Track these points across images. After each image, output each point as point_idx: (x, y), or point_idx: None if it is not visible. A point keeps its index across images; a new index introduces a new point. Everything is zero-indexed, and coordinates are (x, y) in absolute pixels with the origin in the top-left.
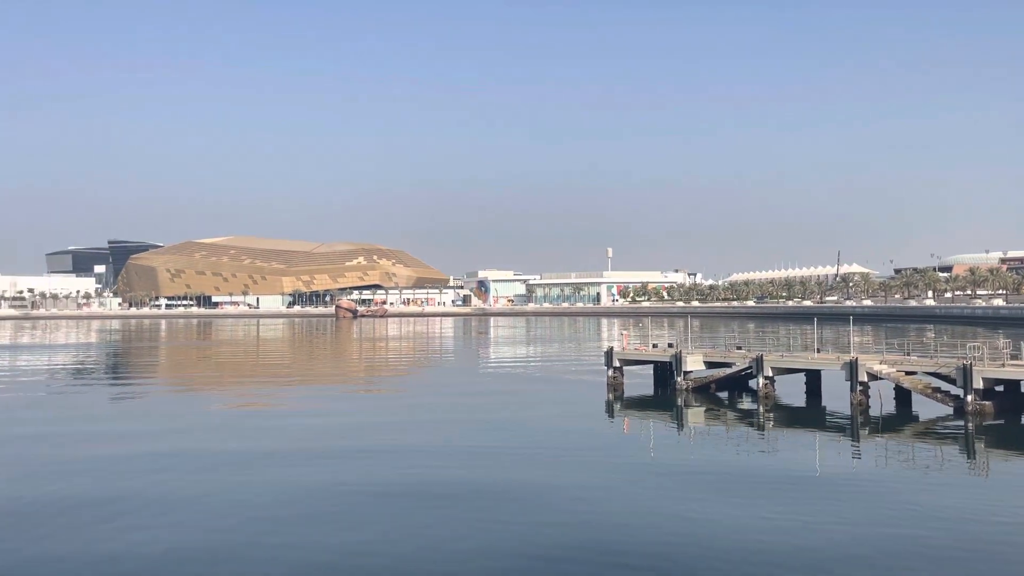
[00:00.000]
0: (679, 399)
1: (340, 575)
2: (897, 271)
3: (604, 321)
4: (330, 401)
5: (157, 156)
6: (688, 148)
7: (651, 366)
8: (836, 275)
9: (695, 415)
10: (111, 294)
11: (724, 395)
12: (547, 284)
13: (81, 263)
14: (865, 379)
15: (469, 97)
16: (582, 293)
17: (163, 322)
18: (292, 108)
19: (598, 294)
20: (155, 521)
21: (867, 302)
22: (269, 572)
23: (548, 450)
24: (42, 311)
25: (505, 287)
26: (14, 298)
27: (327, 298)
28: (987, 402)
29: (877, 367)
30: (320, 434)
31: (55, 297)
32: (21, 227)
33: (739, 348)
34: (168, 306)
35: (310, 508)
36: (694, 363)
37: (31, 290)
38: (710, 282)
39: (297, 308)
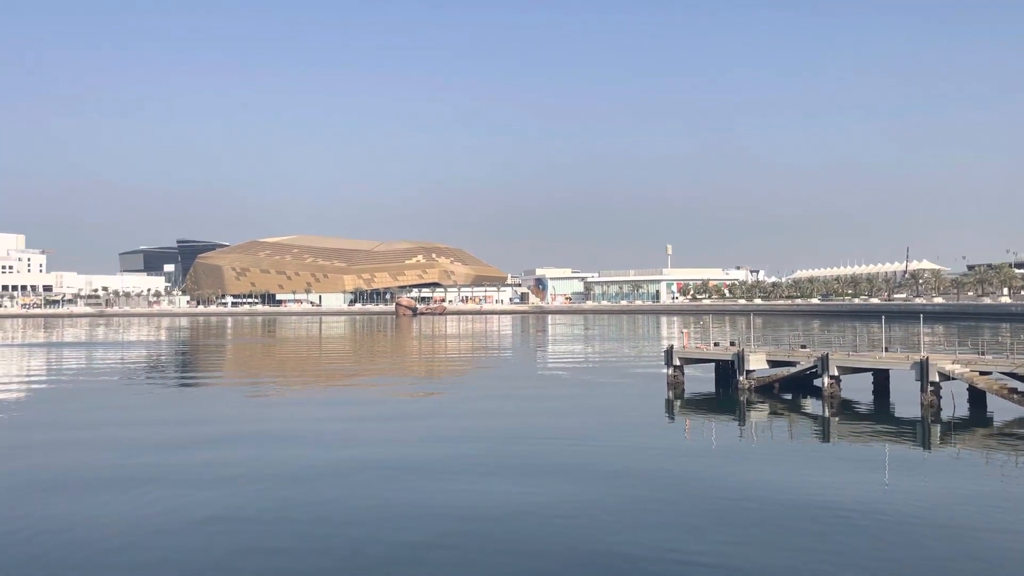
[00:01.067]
0: (741, 399)
1: None
2: (970, 267)
3: (664, 319)
4: (394, 403)
5: (222, 157)
6: (749, 143)
7: (712, 365)
8: (905, 272)
9: (758, 416)
10: (180, 292)
11: (788, 395)
12: (605, 282)
13: (152, 262)
14: (936, 379)
15: (528, 95)
16: (641, 291)
17: (229, 319)
18: (352, 109)
19: (657, 292)
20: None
21: (938, 300)
22: None
23: (603, 455)
24: (115, 309)
25: (563, 285)
26: (89, 296)
27: (387, 296)
28: None
29: (949, 367)
30: (390, 441)
31: (127, 295)
32: (95, 228)
33: (803, 347)
34: (234, 304)
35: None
36: (757, 362)
37: (105, 288)
38: (773, 279)
39: (358, 306)
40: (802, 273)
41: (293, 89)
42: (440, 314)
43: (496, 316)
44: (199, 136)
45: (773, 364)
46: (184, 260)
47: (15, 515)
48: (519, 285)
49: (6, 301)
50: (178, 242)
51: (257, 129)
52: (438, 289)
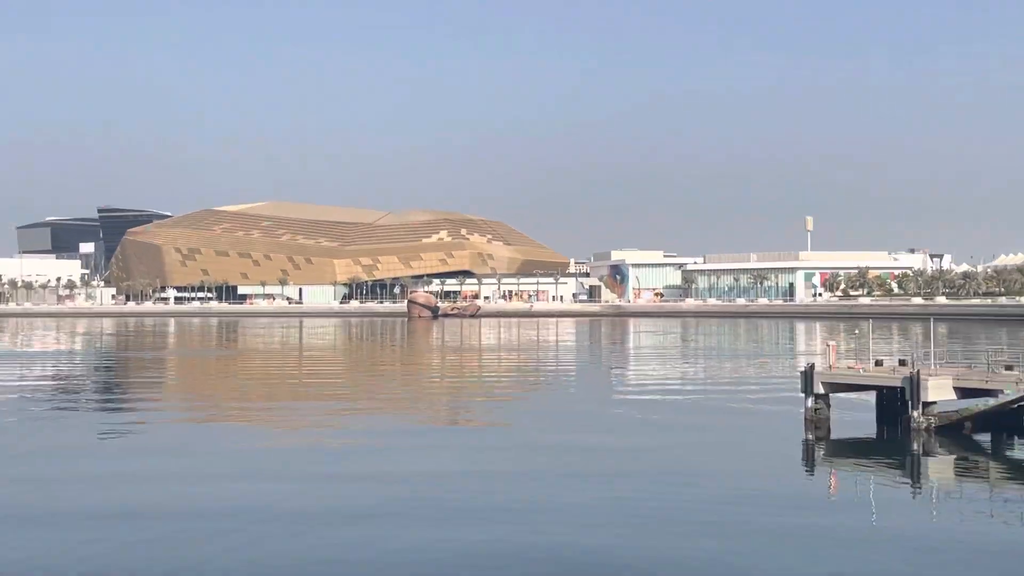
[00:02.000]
0: (915, 444)
1: None
2: None
3: (800, 325)
4: (392, 463)
5: (163, 98)
6: (937, 66)
7: (873, 394)
8: None
9: (939, 473)
10: (102, 282)
11: (986, 439)
12: (713, 270)
13: (63, 240)
14: None
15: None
16: (767, 283)
17: (171, 322)
18: (342, 31)
19: (791, 284)
20: None
21: None
22: None
23: (716, 522)
24: (12, 306)
25: (650, 274)
26: None
27: (396, 289)
28: None
29: None
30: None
31: (29, 287)
32: None
33: (1009, 368)
34: (178, 299)
35: None
36: (939, 390)
37: None
38: (964, 268)
39: (355, 304)
40: (1008, 259)
41: (249, 13)
42: (472, 316)
43: (553, 320)
44: (126, 72)
45: (964, 393)
46: (108, 237)
47: None
48: (587, 275)
49: None
50: (100, 211)
51: (208, 65)
52: (469, 280)
